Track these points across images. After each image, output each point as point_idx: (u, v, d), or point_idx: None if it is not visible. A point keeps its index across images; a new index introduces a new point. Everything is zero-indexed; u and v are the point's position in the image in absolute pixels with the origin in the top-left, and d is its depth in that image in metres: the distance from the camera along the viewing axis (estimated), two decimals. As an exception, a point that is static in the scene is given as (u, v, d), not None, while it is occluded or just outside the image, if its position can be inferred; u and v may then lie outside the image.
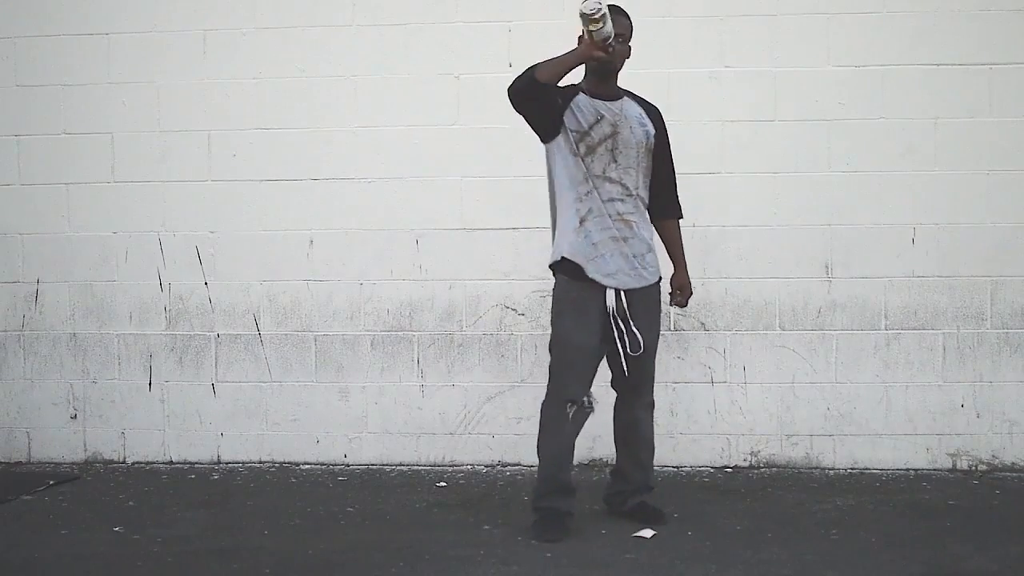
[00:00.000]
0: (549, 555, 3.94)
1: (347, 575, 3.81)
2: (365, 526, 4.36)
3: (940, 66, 4.95)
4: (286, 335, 5.28)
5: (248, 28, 5.22)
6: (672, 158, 4.30)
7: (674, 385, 5.10)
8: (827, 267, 5.04)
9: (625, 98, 4.21)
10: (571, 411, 4.12)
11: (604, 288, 4.10)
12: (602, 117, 4.12)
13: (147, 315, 5.34)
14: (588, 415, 4.18)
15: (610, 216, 4.10)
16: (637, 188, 4.16)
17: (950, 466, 5.03)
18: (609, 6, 3.93)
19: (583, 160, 4.09)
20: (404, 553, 3.99)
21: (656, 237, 4.31)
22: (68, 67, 5.29)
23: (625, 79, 4.93)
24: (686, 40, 5.02)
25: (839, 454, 5.07)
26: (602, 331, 4.11)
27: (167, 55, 5.25)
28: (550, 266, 4.19)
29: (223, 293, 5.30)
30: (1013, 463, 5.00)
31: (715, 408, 5.10)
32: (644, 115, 4.20)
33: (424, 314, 5.20)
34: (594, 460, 5.14)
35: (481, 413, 5.18)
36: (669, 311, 5.05)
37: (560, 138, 4.10)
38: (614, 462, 4.44)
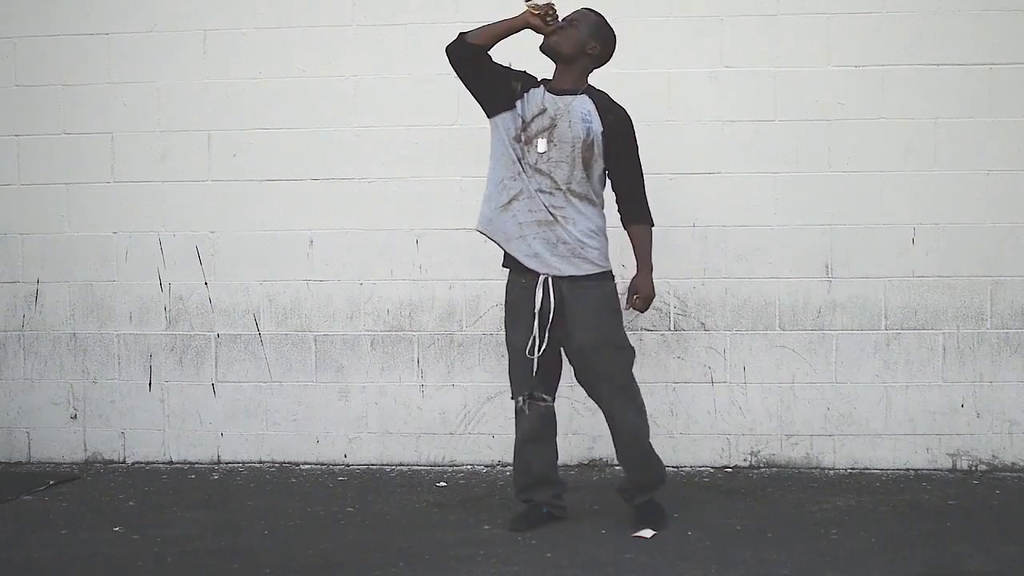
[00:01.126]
0: (549, 555, 3.94)
1: (347, 575, 3.81)
2: (365, 526, 4.36)
3: (940, 66, 4.95)
4: (286, 335, 5.28)
5: (248, 28, 5.22)
6: (636, 162, 4.24)
7: (674, 385, 5.10)
8: (827, 267, 5.04)
9: (584, 95, 4.20)
10: (523, 405, 4.22)
11: (535, 286, 4.14)
12: (544, 110, 4.16)
13: (147, 315, 5.34)
14: (547, 408, 4.24)
15: (540, 208, 4.14)
16: (568, 183, 4.14)
17: (950, 466, 5.03)
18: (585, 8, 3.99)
19: (521, 147, 4.15)
20: (404, 553, 3.99)
21: (616, 239, 4.31)
22: (68, 67, 5.29)
23: (627, 79, 4.95)
24: (686, 40, 5.02)
25: (839, 454, 5.07)
26: (529, 325, 4.17)
27: (167, 55, 5.25)
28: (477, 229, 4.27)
29: (223, 293, 5.30)
30: (1013, 463, 5.00)
31: (715, 408, 5.10)
32: (594, 112, 4.16)
33: (424, 314, 5.20)
34: (594, 460, 5.14)
35: (481, 413, 5.18)
36: (669, 310, 5.05)
37: (505, 119, 4.18)
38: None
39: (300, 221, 5.23)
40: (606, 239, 4.23)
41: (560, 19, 4.15)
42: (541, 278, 4.15)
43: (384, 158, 5.19)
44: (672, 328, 5.08)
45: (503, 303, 4.28)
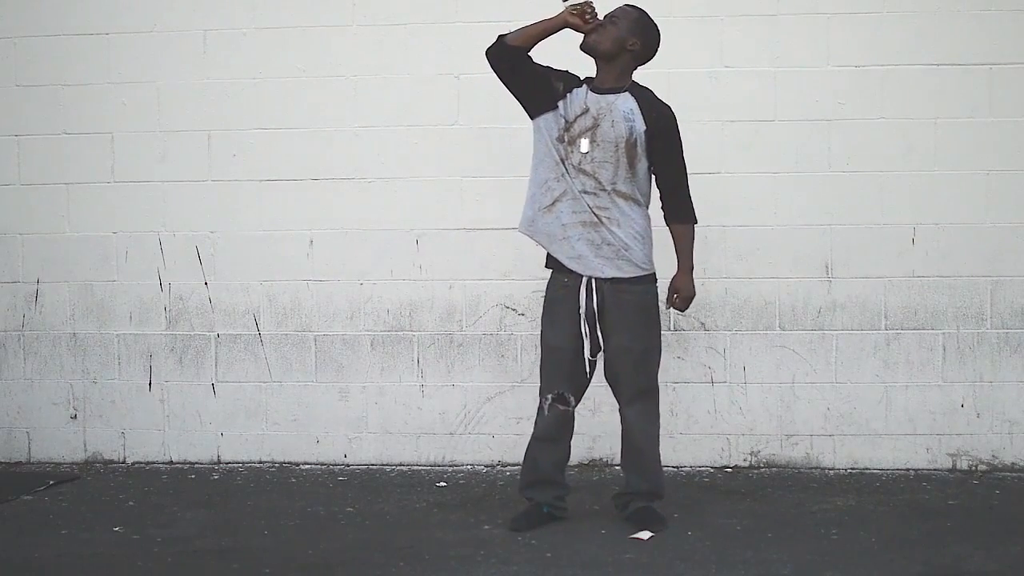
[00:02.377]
0: (549, 555, 3.94)
1: (347, 575, 3.81)
2: (365, 526, 4.36)
3: (940, 66, 4.95)
4: (286, 335, 5.28)
5: (248, 28, 5.22)
6: (680, 160, 4.25)
7: (674, 385, 5.10)
8: (827, 267, 5.04)
9: (626, 93, 4.18)
10: (545, 404, 4.22)
11: (579, 287, 4.13)
12: (587, 109, 4.14)
13: (147, 315, 5.34)
14: (566, 413, 4.22)
15: (583, 209, 4.12)
16: (614, 184, 4.12)
17: (950, 466, 5.03)
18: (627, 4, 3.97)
19: (564, 147, 4.13)
20: (404, 553, 3.99)
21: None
22: (68, 67, 5.29)
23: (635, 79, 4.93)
24: (686, 40, 5.02)
25: (839, 454, 5.07)
26: (571, 330, 4.17)
27: (167, 55, 5.25)
28: (518, 230, 4.27)
29: (223, 293, 5.30)
30: (1013, 463, 5.00)
31: (715, 408, 5.10)
32: (637, 111, 4.15)
33: (424, 314, 5.20)
34: (594, 460, 5.14)
35: (481, 413, 5.18)
36: (670, 311, 5.05)
37: (547, 120, 4.15)
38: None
39: (300, 221, 5.23)
40: (651, 241, 4.23)
41: (600, 17, 4.13)
42: (584, 279, 4.14)
43: (384, 158, 5.19)
44: (672, 328, 5.08)
45: (543, 299, 4.28)
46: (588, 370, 4.20)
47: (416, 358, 5.22)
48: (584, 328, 4.15)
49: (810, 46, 4.99)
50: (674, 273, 4.27)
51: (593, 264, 4.13)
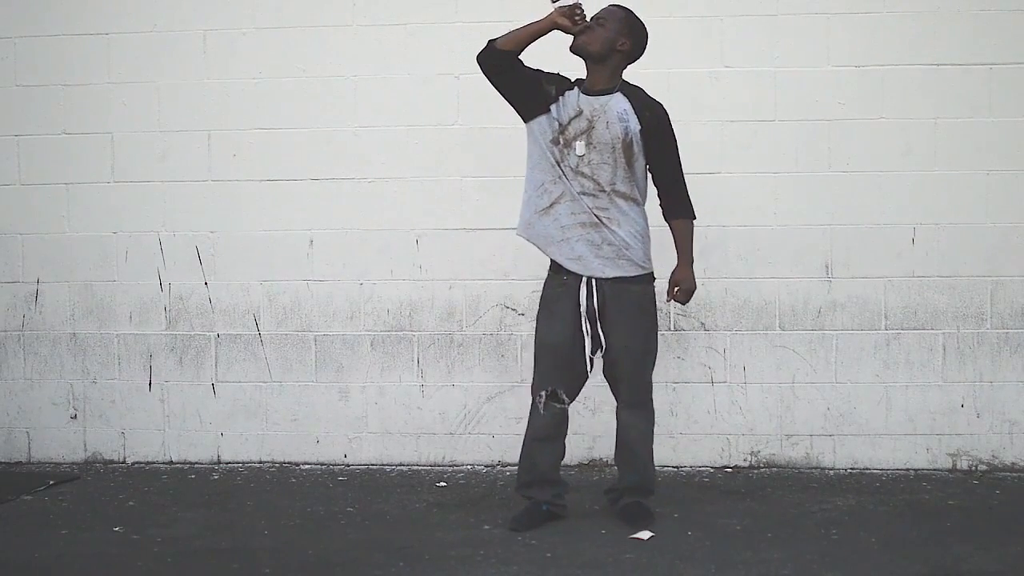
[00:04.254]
0: (549, 555, 3.94)
1: (347, 575, 3.81)
2: (365, 526, 4.36)
3: (940, 66, 4.95)
4: (286, 335, 5.28)
5: (248, 28, 5.22)
6: (676, 157, 4.27)
7: (674, 385, 5.10)
8: (827, 267, 5.04)
9: (618, 93, 4.19)
10: (540, 403, 4.22)
11: (579, 285, 4.14)
12: (580, 112, 4.15)
13: (147, 315, 5.34)
14: (562, 411, 4.24)
15: (583, 210, 4.13)
16: (612, 184, 4.14)
17: (950, 466, 5.03)
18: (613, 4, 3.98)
19: (559, 150, 4.13)
20: (404, 553, 3.99)
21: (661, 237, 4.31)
22: (68, 67, 5.29)
23: (626, 79, 4.93)
24: (686, 40, 5.02)
25: (839, 454, 5.07)
26: (569, 328, 4.17)
27: (167, 55, 5.25)
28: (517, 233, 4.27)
29: (223, 293, 5.30)
30: (1013, 463, 5.00)
31: (715, 408, 5.10)
32: (630, 111, 4.16)
33: (424, 314, 5.20)
34: (594, 460, 5.14)
35: (481, 413, 5.18)
36: (669, 310, 5.05)
37: (541, 123, 4.15)
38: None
39: (300, 221, 5.23)
40: (650, 240, 4.25)
41: (588, 18, 4.13)
42: (584, 278, 4.16)
43: (384, 158, 5.19)
44: (672, 328, 5.08)
45: (540, 297, 4.28)
46: (588, 368, 4.21)
47: (416, 358, 5.22)
48: (585, 326, 4.16)
49: (810, 46, 4.99)
50: (674, 267, 4.28)
51: (593, 265, 4.15)
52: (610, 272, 4.15)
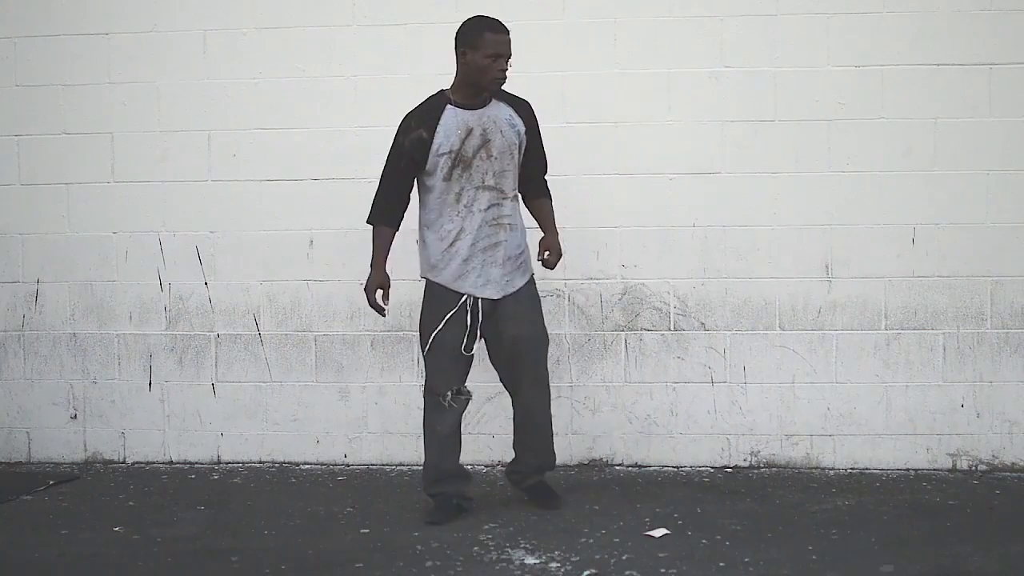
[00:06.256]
0: (549, 554, 3.94)
1: (347, 575, 3.81)
2: (365, 526, 4.36)
3: (940, 66, 4.95)
4: (286, 335, 5.28)
5: (248, 28, 5.22)
6: (543, 147, 4.44)
7: (674, 385, 5.10)
8: (827, 267, 5.04)
9: (494, 101, 4.31)
10: (446, 400, 4.33)
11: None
12: (471, 130, 4.23)
13: (147, 315, 5.34)
14: (466, 402, 4.39)
15: (487, 224, 4.26)
16: (514, 189, 4.33)
17: (950, 466, 5.03)
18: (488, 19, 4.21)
19: (460, 178, 4.23)
20: (404, 553, 3.99)
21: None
22: (68, 67, 5.29)
23: (627, 79, 4.96)
24: (686, 40, 5.02)
25: (839, 454, 5.07)
26: (463, 327, 4.29)
27: (167, 55, 5.25)
28: (421, 275, 4.40)
29: (223, 293, 5.30)
30: (1013, 463, 5.00)
31: (715, 408, 5.10)
32: (514, 114, 4.31)
33: (424, 314, 5.20)
34: (594, 460, 5.14)
35: (481, 413, 5.18)
36: (669, 311, 5.05)
37: (431, 166, 4.25)
38: (513, 439, 4.58)
39: (300, 221, 5.23)
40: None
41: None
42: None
43: (384, 158, 5.17)
44: (672, 328, 5.08)
45: (423, 298, 4.39)
46: (471, 362, 4.37)
47: (416, 358, 5.22)
48: (468, 324, 4.28)
49: (810, 46, 4.99)
50: (542, 236, 4.43)
51: (502, 284, 4.31)
52: (518, 283, 4.35)
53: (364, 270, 5.18)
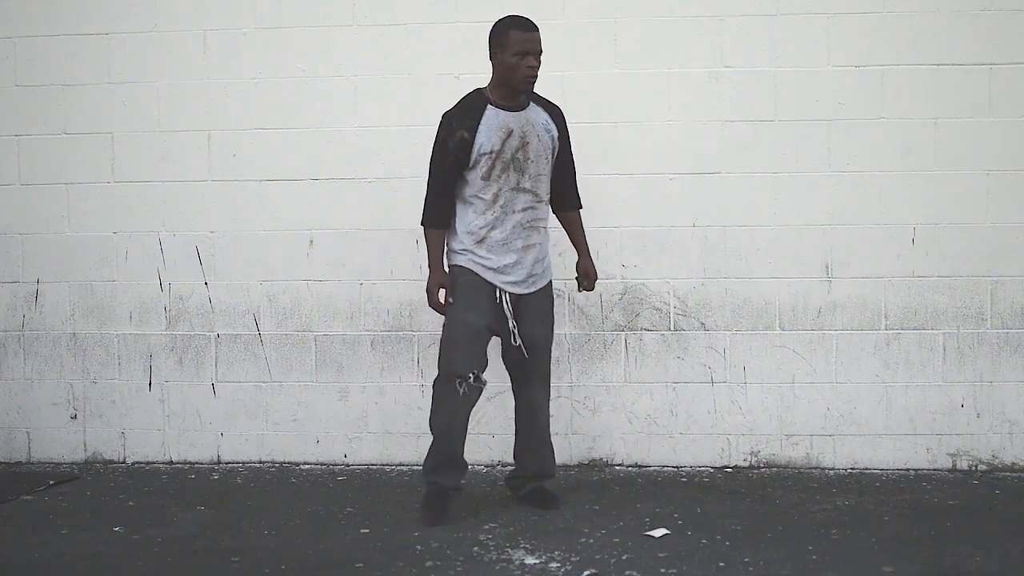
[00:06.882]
0: (549, 554, 3.94)
1: (347, 575, 3.81)
2: (365, 526, 4.36)
3: (940, 66, 4.95)
4: (286, 335, 5.28)
5: (248, 28, 5.22)
6: (572, 154, 4.47)
7: (674, 385, 5.10)
8: (827, 267, 5.04)
9: (531, 104, 4.34)
10: (461, 387, 4.30)
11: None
12: (511, 131, 4.25)
13: (147, 315, 5.34)
14: (480, 390, 4.36)
15: (522, 226, 4.29)
16: (547, 193, 4.37)
17: (950, 466, 5.03)
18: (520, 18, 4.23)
19: (498, 179, 4.25)
20: (404, 553, 3.99)
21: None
22: (68, 67, 5.29)
23: (627, 79, 4.96)
24: (686, 40, 5.02)
25: (839, 454, 5.07)
26: (491, 315, 4.30)
27: (167, 55, 5.25)
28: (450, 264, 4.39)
29: (223, 293, 5.30)
30: (1013, 463, 5.00)
31: (715, 408, 5.10)
32: (549, 120, 4.35)
33: (424, 314, 5.19)
34: (594, 460, 5.14)
35: (481, 413, 5.17)
36: (669, 311, 5.05)
37: (473, 163, 4.25)
38: (515, 445, 4.60)
39: (300, 221, 5.23)
40: None
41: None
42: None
43: (384, 158, 5.19)
44: (672, 328, 5.08)
45: (451, 283, 4.36)
46: (525, 353, 4.35)
47: (416, 358, 5.22)
48: (509, 315, 4.30)
49: (810, 46, 4.99)
50: (576, 259, 4.52)
51: (528, 283, 4.36)
52: (540, 284, 4.39)
53: (364, 270, 5.21)
